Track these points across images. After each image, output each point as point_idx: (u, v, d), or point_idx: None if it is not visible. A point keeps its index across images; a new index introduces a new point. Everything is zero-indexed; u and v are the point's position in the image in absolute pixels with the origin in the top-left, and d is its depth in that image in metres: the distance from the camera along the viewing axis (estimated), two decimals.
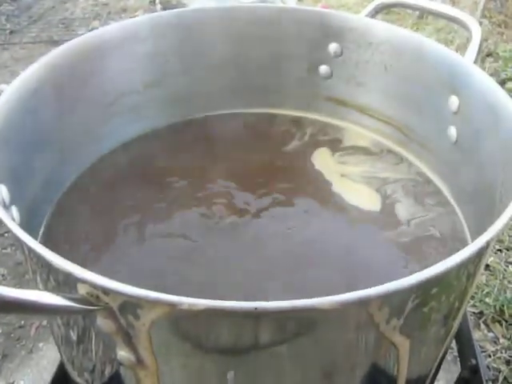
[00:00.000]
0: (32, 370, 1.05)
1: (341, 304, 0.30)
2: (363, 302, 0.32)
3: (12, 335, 1.10)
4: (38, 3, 2.56)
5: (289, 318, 0.33)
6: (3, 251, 1.29)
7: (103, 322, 0.34)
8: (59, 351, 0.52)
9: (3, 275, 1.23)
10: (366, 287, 0.31)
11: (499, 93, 0.52)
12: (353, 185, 0.64)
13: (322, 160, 0.68)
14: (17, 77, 0.53)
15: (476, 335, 1.04)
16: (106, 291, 0.32)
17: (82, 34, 0.62)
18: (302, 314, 0.33)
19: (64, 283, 0.36)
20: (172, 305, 0.31)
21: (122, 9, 2.46)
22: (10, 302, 0.30)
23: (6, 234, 1.33)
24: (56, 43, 2.14)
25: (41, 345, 1.09)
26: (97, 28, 2.21)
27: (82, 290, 0.33)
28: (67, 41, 0.60)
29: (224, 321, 0.34)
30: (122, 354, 0.35)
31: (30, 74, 0.53)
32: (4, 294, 0.30)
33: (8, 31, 2.27)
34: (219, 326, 0.34)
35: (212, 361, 0.38)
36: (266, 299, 0.31)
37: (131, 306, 0.33)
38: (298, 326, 0.34)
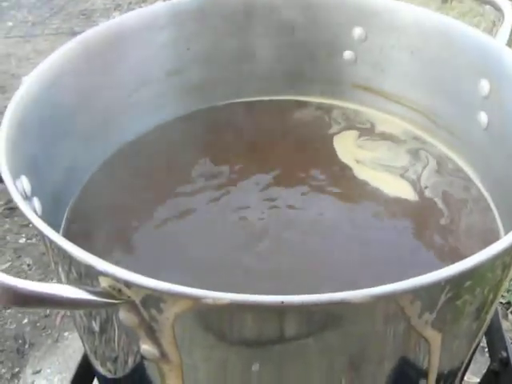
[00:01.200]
0: (58, 359, 1.06)
1: (372, 297, 0.29)
2: (395, 296, 0.31)
3: (38, 324, 1.12)
4: None
5: (317, 312, 0.32)
6: (28, 241, 1.30)
7: (126, 316, 0.33)
8: (82, 341, 0.52)
9: (29, 265, 1.25)
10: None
11: None
12: (381, 173, 0.63)
13: (344, 144, 0.67)
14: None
15: (504, 326, 1.02)
16: (129, 284, 0.32)
17: None
18: (330, 308, 0.32)
19: (86, 275, 0.36)
20: (196, 298, 0.30)
21: None
22: (32, 296, 0.30)
23: (31, 225, 1.34)
24: (78, 34, 2.15)
25: (66, 334, 1.10)
26: None
27: (104, 283, 0.32)
28: None
29: (249, 314, 0.33)
30: (146, 347, 0.35)
31: (49, 64, 0.53)
32: (27, 288, 0.29)
33: (30, 23, 2.29)
34: (245, 318, 0.33)
35: (237, 353, 0.37)
36: (293, 290, 0.30)
37: (154, 299, 0.32)
38: (326, 319, 0.34)
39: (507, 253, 0.36)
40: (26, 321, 1.13)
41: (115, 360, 0.44)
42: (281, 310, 0.32)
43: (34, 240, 1.31)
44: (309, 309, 0.31)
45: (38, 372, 1.05)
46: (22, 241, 1.31)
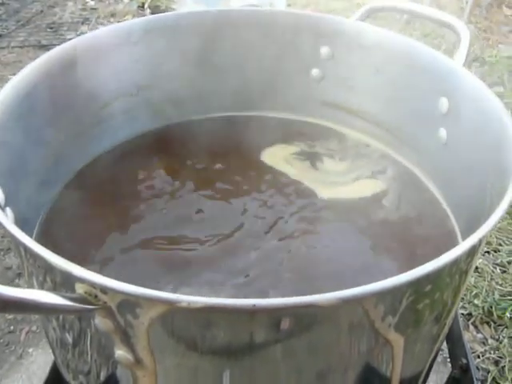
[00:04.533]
0: (22, 376, 1.04)
1: (338, 300, 0.31)
2: (360, 299, 0.32)
3: (1, 340, 1.10)
4: (26, 7, 2.55)
5: (286, 316, 0.34)
6: None
7: (102, 322, 0.34)
8: (54, 354, 0.52)
9: None
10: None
11: (488, 95, 0.53)
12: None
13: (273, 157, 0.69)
14: (5, 81, 0.53)
15: (465, 336, 1.05)
16: (105, 290, 0.32)
17: (71, 39, 0.62)
18: (300, 311, 0.33)
19: (61, 284, 0.36)
20: (171, 303, 0.31)
21: (111, 13, 2.46)
22: (10, 301, 0.30)
23: None
24: (44, 47, 2.14)
25: (31, 350, 1.08)
26: (85, 32, 2.21)
27: (81, 289, 0.33)
28: (56, 45, 0.60)
29: (223, 319, 0.34)
30: (120, 353, 0.35)
31: (23, 77, 0.54)
32: (4, 293, 0.30)
33: None
34: (218, 324, 0.34)
35: (210, 359, 0.38)
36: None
37: (130, 304, 0.33)
38: (296, 324, 0.35)
39: (463, 259, 0.38)
40: None
41: (88, 372, 0.44)
42: (252, 314, 0.33)
43: None
44: (279, 312, 0.33)
45: None
46: None
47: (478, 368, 1.01)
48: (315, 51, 0.71)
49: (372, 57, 0.68)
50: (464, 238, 0.56)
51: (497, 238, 1.28)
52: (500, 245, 1.27)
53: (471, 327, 1.10)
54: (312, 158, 0.69)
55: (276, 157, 0.69)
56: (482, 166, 0.53)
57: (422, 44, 0.64)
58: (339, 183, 0.65)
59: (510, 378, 0.98)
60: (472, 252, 0.39)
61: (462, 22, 0.63)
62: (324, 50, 0.71)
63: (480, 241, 0.36)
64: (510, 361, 1.01)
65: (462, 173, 0.57)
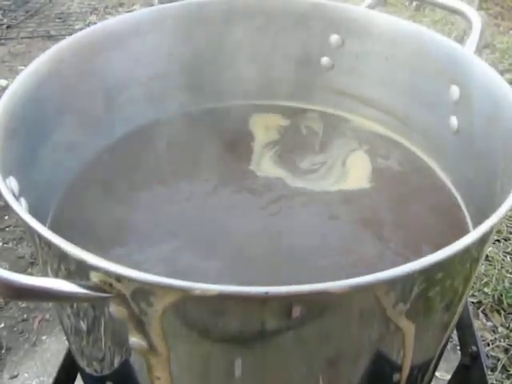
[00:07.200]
0: (36, 363, 1.06)
1: (351, 288, 0.31)
2: (372, 286, 0.33)
3: (15, 329, 1.11)
4: None
5: (298, 303, 0.34)
6: (5, 245, 1.29)
7: (116, 310, 0.34)
8: (68, 341, 0.53)
9: (5, 269, 1.23)
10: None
11: (500, 82, 0.53)
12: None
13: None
14: (15, 72, 0.53)
15: (475, 324, 1.05)
16: (119, 278, 0.33)
17: (80, 29, 0.62)
18: (311, 299, 0.33)
19: (75, 272, 0.36)
20: (185, 290, 0.31)
21: (119, 3, 2.46)
22: (25, 289, 0.31)
23: (8, 229, 1.33)
24: (53, 38, 2.14)
25: (44, 338, 1.10)
26: (94, 22, 2.21)
27: (95, 277, 0.33)
28: (64, 35, 0.60)
29: (235, 306, 0.34)
30: (134, 340, 0.36)
31: (36, 66, 0.54)
32: (20, 281, 0.30)
33: (5, 26, 2.27)
34: (231, 311, 0.35)
35: (222, 347, 0.38)
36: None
37: (144, 292, 0.33)
38: (308, 311, 0.35)
39: (475, 246, 0.38)
40: (2, 325, 1.12)
41: (102, 358, 0.45)
42: (264, 301, 0.33)
43: (10, 244, 1.30)
44: (291, 300, 0.33)
45: (15, 377, 1.04)
46: None
47: (487, 356, 1.02)
48: (325, 39, 0.71)
49: (382, 45, 0.67)
50: (475, 225, 0.56)
51: (507, 226, 1.28)
52: (511, 233, 1.27)
53: (481, 315, 1.11)
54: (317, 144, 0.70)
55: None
56: (493, 153, 0.52)
57: (432, 31, 0.63)
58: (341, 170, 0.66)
59: None
60: (483, 240, 0.39)
61: (473, 9, 0.62)
62: (334, 38, 0.71)
63: (491, 229, 0.36)
64: None
65: (473, 160, 0.57)
